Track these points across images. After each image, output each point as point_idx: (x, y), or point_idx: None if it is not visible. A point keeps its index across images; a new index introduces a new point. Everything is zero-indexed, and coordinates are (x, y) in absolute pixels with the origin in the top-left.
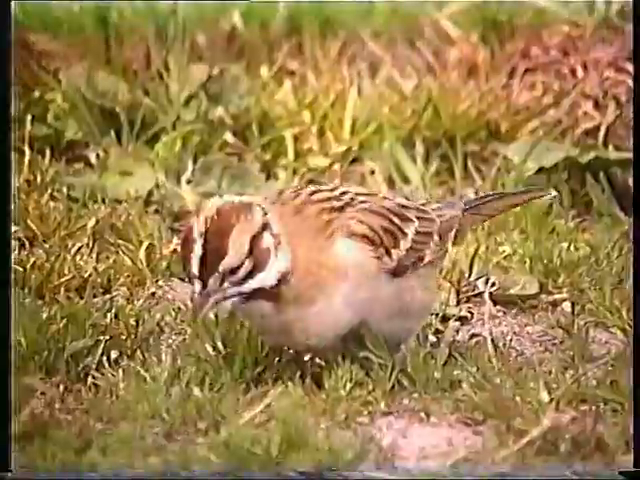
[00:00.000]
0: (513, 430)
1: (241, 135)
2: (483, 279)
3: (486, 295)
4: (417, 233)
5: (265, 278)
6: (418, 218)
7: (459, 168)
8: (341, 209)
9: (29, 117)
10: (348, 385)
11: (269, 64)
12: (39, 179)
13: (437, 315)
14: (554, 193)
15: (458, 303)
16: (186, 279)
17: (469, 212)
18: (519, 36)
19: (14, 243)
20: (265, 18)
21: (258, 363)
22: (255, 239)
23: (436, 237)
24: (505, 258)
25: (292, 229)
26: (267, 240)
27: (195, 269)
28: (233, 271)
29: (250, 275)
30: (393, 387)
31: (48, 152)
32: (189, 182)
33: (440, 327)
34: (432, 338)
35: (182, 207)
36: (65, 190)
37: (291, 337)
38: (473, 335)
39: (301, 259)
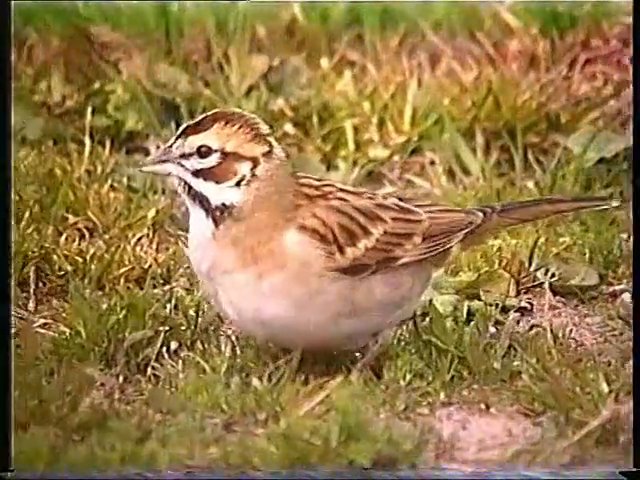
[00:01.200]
0: (572, 421)
1: (301, 126)
2: (543, 270)
3: (546, 286)
4: (386, 234)
5: (214, 191)
6: (395, 219)
7: (519, 159)
8: (312, 198)
9: (89, 108)
10: (408, 376)
11: (329, 55)
12: (99, 170)
13: (497, 306)
14: (614, 203)
15: (518, 294)
16: None
17: (502, 215)
18: (579, 27)
19: (75, 233)
20: (325, 9)
21: (317, 354)
22: (239, 156)
23: (417, 239)
24: (565, 249)
25: (268, 191)
26: (244, 167)
27: (181, 129)
28: (200, 153)
29: (206, 176)
30: (453, 378)
31: (108, 143)
32: None
33: (500, 318)
34: (492, 329)
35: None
36: (125, 181)
37: (217, 295)
38: (533, 326)
39: (256, 221)
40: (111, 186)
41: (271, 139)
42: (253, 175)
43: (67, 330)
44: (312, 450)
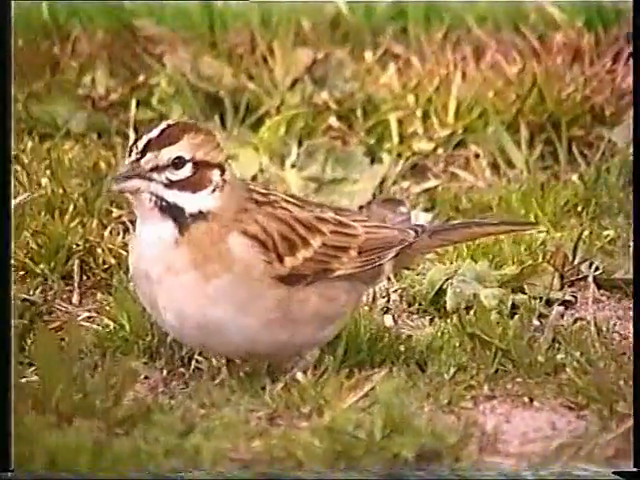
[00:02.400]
0: (616, 414)
1: (345, 119)
2: (587, 263)
3: (590, 279)
4: (324, 245)
5: (189, 200)
6: (333, 232)
7: (563, 152)
8: (260, 204)
9: (134, 101)
10: (452, 369)
11: (374, 48)
12: None
13: (541, 299)
14: (542, 228)
15: (562, 287)
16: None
17: (428, 236)
18: (623, 20)
19: (119, 227)
20: (370, 2)
21: (361, 348)
22: (208, 163)
23: (353, 252)
24: (609, 242)
25: (232, 195)
26: (215, 174)
27: (142, 142)
28: (175, 165)
29: (181, 187)
30: (497, 371)
31: None
32: (293, 166)
33: (544, 311)
34: (536, 322)
35: (286, 191)
36: None
37: (157, 303)
38: (577, 319)
39: (214, 223)
40: None
41: (222, 150)
42: (224, 181)
43: (111, 323)
44: (356, 443)
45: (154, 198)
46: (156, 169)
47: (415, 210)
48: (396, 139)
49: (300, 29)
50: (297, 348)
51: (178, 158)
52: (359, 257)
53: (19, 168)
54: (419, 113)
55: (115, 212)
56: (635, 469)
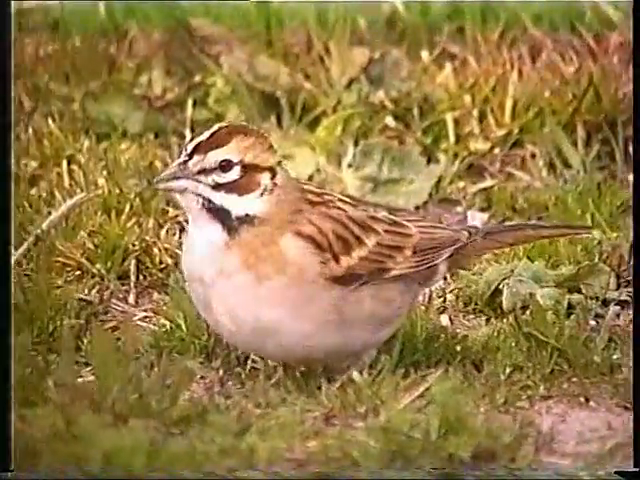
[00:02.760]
0: None
1: (402, 119)
2: None
3: None
4: (379, 245)
5: (237, 203)
6: (387, 231)
7: (620, 152)
8: (314, 204)
9: (190, 101)
10: (507, 369)
11: (430, 48)
12: None
13: (597, 299)
14: (594, 232)
15: (618, 287)
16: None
17: (483, 238)
18: None
19: (175, 226)
20: (426, 2)
21: (417, 348)
22: (258, 167)
23: (407, 252)
24: None
25: (284, 198)
26: (264, 178)
27: (191, 145)
28: (223, 168)
29: (228, 189)
30: (552, 371)
31: None
32: (350, 166)
33: (600, 311)
34: (592, 322)
35: (343, 191)
36: None
37: (210, 305)
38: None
39: (266, 225)
40: None
41: (274, 153)
42: (274, 184)
43: (167, 323)
44: (412, 443)
45: (201, 200)
46: (203, 172)
47: (471, 210)
48: (452, 139)
49: (356, 28)
50: (352, 351)
51: (225, 161)
52: (413, 257)
53: (76, 168)
54: (475, 113)
55: (171, 212)
56: (635, 469)
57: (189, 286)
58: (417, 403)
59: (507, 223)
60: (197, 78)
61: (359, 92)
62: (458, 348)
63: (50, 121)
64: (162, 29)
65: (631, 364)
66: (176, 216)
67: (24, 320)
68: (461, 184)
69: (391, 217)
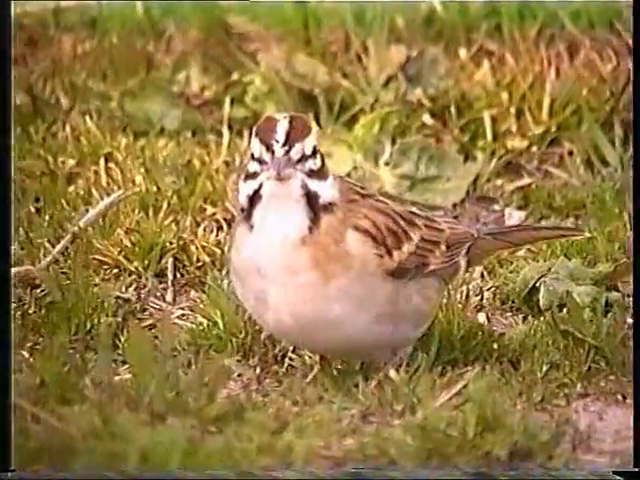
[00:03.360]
0: None
1: (439, 116)
2: None
3: None
4: (422, 239)
5: (325, 187)
6: (426, 226)
7: None
8: (363, 196)
9: (228, 99)
10: (544, 367)
11: (468, 45)
12: (237, 161)
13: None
14: (587, 234)
15: None
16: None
17: (491, 237)
18: None
19: (213, 224)
20: (464, 0)
21: (454, 346)
22: (322, 154)
23: (443, 247)
24: None
25: (339, 187)
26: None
27: (281, 136)
28: (314, 153)
29: (317, 174)
30: (589, 369)
31: (246, 134)
32: (387, 164)
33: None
34: (629, 320)
35: (380, 189)
36: None
37: (266, 302)
38: None
39: (330, 219)
40: None
41: None
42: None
43: (205, 321)
44: (448, 441)
45: (301, 187)
46: (302, 159)
47: (508, 208)
48: (490, 137)
49: (394, 26)
50: (396, 345)
51: (315, 147)
52: (447, 252)
53: (113, 166)
54: (513, 110)
55: (209, 209)
56: (635, 469)
57: (239, 278)
58: (454, 401)
59: (510, 224)
60: (235, 76)
61: (397, 90)
62: (495, 346)
63: (88, 119)
64: (200, 27)
65: (631, 365)
66: (213, 214)
67: (61, 318)
68: (498, 182)
69: (424, 212)
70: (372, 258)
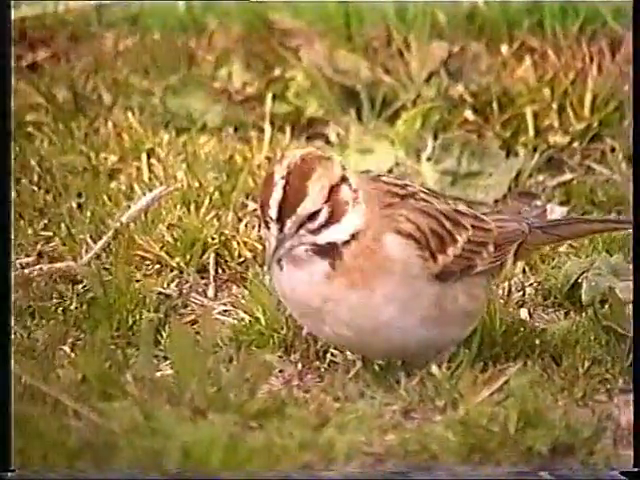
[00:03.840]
0: None
1: (481, 112)
2: None
3: None
4: (469, 242)
5: (339, 230)
6: (473, 227)
7: None
8: (402, 197)
9: (270, 95)
10: (586, 363)
11: (509, 41)
12: (279, 156)
13: None
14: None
15: None
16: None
17: (540, 230)
18: None
19: (254, 220)
20: None
21: (496, 341)
22: (334, 188)
23: (491, 247)
24: None
25: (366, 193)
26: (345, 192)
27: (274, 211)
28: (311, 217)
29: (326, 225)
30: (631, 364)
31: (288, 130)
32: (429, 160)
33: None
34: None
35: (422, 185)
36: None
37: (322, 319)
38: None
39: (370, 223)
40: None
41: (331, 159)
42: (354, 191)
43: (246, 317)
44: (490, 437)
45: (307, 246)
46: (299, 228)
47: (550, 204)
48: (532, 132)
49: (436, 22)
50: (442, 346)
51: (313, 213)
52: (495, 252)
53: (155, 162)
54: (555, 106)
55: (251, 205)
56: (636, 469)
57: (296, 314)
58: (496, 397)
59: (560, 217)
60: (277, 72)
61: (438, 86)
62: (537, 342)
63: (130, 115)
64: (241, 23)
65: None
66: (255, 210)
67: (103, 314)
68: (540, 178)
69: (471, 211)
70: (415, 261)
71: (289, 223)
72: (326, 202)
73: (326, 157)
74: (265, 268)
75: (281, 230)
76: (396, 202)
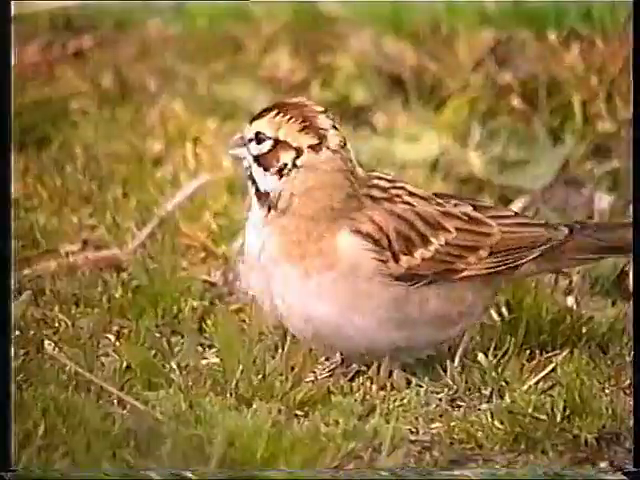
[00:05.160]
0: None
1: (528, 100)
2: None
3: None
4: (448, 244)
5: (261, 174)
6: (460, 229)
7: None
8: (376, 200)
9: (316, 82)
10: (632, 351)
11: (557, 29)
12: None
13: None
14: None
15: None
16: None
17: (595, 235)
18: None
19: None
20: None
21: (543, 329)
22: (289, 143)
23: (483, 252)
24: None
25: (313, 185)
26: (286, 157)
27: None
28: (258, 139)
29: (261, 160)
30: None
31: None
32: (476, 147)
33: None
34: None
35: (469, 173)
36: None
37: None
38: None
39: (303, 215)
40: None
41: (327, 133)
42: (294, 165)
43: None
44: (536, 425)
45: (247, 167)
46: (250, 140)
47: (598, 192)
48: (579, 120)
49: (483, 10)
50: (418, 348)
51: (259, 133)
52: (490, 258)
53: (200, 149)
54: (602, 94)
55: None
56: (635, 469)
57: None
58: (542, 385)
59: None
60: (323, 59)
61: (486, 73)
62: (584, 330)
63: (175, 103)
64: (288, 10)
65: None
66: None
67: (148, 302)
68: (588, 165)
69: (472, 214)
70: (368, 261)
71: (246, 128)
72: (275, 141)
73: (309, 124)
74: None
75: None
76: (368, 204)
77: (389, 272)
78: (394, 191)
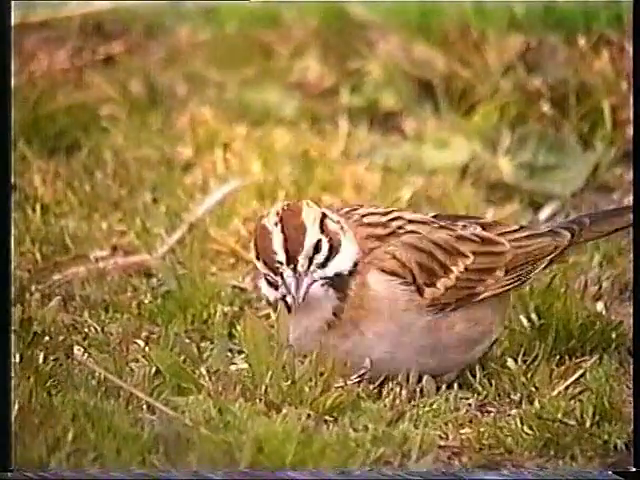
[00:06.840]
0: None
1: (558, 105)
2: None
3: None
4: (467, 270)
5: (342, 261)
6: (476, 253)
7: None
8: (385, 238)
9: (346, 88)
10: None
11: (587, 34)
12: (355, 150)
13: None
14: None
15: None
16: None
17: (593, 225)
18: None
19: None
20: None
21: (572, 335)
22: (323, 221)
23: (499, 273)
24: None
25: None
26: (332, 224)
27: (282, 255)
28: (316, 249)
29: (329, 257)
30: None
31: (364, 123)
32: (506, 153)
33: None
34: None
35: (499, 178)
36: (381, 161)
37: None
38: None
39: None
40: (366, 166)
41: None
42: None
43: None
44: (566, 431)
45: (323, 287)
46: (310, 262)
47: (627, 197)
48: (609, 126)
49: (513, 15)
50: (447, 369)
51: (317, 244)
52: (506, 276)
53: (230, 155)
54: (632, 99)
55: (326, 199)
56: (635, 469)
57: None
58: (571, 390)
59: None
60: (353, 65)
61: (515, 79)
62: (613, 335)
63: (205, 108)
64: (318, 16)
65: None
66: (331, 204)
67: (177, 307)
68: (617, 171)
69: (483, 234)
70: (401, 296)
71: (301, 260)
72: (322, 233)
73: (301, 202)
74: (284, 311)
75: (295, 270)
76: (376, 245)
77: (418, 303)
78: (394, 223)
